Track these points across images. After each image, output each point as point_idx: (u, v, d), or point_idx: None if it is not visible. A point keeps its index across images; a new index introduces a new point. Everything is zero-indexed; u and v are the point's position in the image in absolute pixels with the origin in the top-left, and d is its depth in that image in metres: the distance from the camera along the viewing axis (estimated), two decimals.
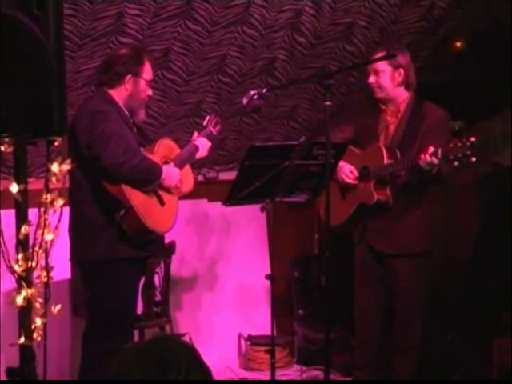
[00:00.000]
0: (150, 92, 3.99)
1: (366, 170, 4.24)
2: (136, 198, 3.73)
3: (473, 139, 3.75)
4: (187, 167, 4.09)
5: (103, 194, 3.75)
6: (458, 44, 5.96)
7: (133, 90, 3.89)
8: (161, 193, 3.88)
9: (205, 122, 4.28)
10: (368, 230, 4.30)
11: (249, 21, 4.67)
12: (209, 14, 4.48)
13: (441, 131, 4.18)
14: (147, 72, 3.93)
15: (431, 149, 3.85)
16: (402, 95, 4.27)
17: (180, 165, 4.00)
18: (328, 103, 3.59)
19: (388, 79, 4.22)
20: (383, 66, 4.21)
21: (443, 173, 4.04)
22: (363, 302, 4.38)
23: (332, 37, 5.05)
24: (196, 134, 4.25)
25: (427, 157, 3.85)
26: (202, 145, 4.17)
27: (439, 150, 3.83)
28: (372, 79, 4.25)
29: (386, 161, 4.14)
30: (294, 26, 4.84)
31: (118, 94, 3.88)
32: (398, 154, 4.15)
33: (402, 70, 4.22)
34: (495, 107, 5.72)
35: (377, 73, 4.23)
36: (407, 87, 4.27)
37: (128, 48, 4.01)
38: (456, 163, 3.79)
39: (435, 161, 3.84)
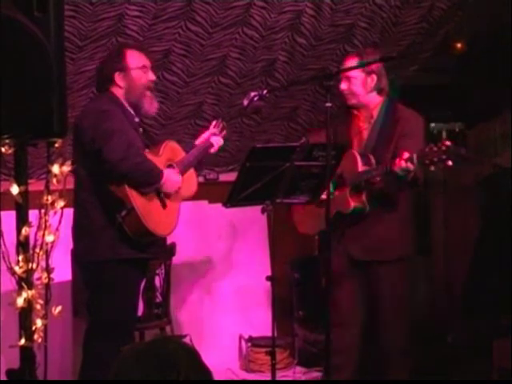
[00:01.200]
0: (150, 77, 3.95)
1: (341, 177, 4.15)
2: (138, 199, 3.73)
3: (448, 143, 3.71)
4: (191, 171, 4.09)
5: (106, 194, 3.74)
6: (458, 45, 5.96)
7: (127, 84, 3.88)
8: (163, 196, 3.88)
9: (211, 127, 4.28)
10: (346, 237, 4.22)
11: (249, 22, 4.67)
12: (209, 15, 4.49)
13: (416, 136, 4.12)
14: (132, 61, 3.89)
15: (406, 154, 3.79)
16: (375, 100, 4.21)
17: (184, 168, 4.01)
18: (328, 104, 3.57)
19: (360, 85, 4.16)
20: (355, 72, 4.14)
21: (419, 177, 3.98)
22: (342, 308, 4.28)
23: (332, 38, 5.06)
24: (213, 124, 4.29)
25: (402, 163, 3.79)
26: (216, 142, 4.25)
27: (414, 156, 3.77)
28: (344, 86, 4.17)
29: (360, 168, 4.06)
30: (294, 27, 4.84)
31: (118, 95, 3.88)
32: (373, 160, 4.08)
33: (374, 76, 4.16)
34: (495, 108, 5.72)
35: (349, 79, 4.16)
36: (380, 92, 4.20)
37: (109, 50, 4.04)
38: (432, 168, 3.74)
39: (411, 167, 3.79)
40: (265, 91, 3.95)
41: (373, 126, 4.20)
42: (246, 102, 3.91)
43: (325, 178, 3.59)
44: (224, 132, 4.31)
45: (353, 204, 4.09)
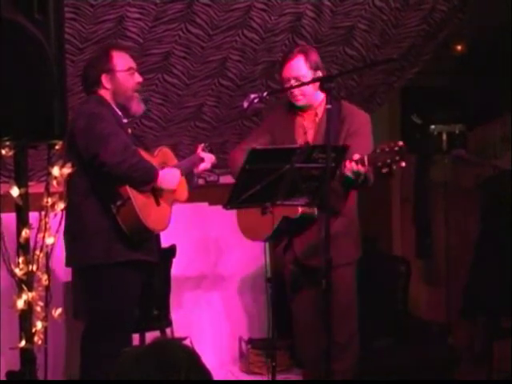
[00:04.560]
0: (138, 79, 3.95)
1: None
2: (135, 192, 3.74)
3: (400, 143, 3.54)
4: (182, 179, 4.12)
5: (102, 188, 3.75)
6: (459, 47, 5.98)
7: (114, 87, 3.87)
8: (157, 195, 3.90)
9: (198, 151, 4.29)
10: (295, 244, 4.08)
11: (249, 24, 4.67)
12: (209, 17, 4.49)
13: (364, 133, 3.98)
14: (119, 63, 3.89)
15: (356, 156, 3.61)
16: (319, 98, 4.06)
17: None
18: (329, 106, 3.56)
19: (311, 84, 3.97)
20: (303, 70, 3.98)
21: (369, 179, 3.78)
22: (301, 316, 4.23)
23: (333, 40, 5.06)
24: (201, 147, 4.30)
25: (353, 165, 3.61)
26: (207, 158, 4.26)
27: (365, 157, 3.59)
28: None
29: None
30: (294, 29, 4.84)
31: (106, 97, 3.89)
32: None
33: (319, 72, 4.00)
34: (495, 111, 5.73)
35: (299, 80, 3.96)
36: (323, 90, 4.00)
37: (95, 51, 4.03)
38: (385, 170, 3.56)
39: (362, 169, 3.60)
40: (265, 93, 3.94)
41: (318, 126, 4.03)
42: (246, 104, 3.90)
43: (325, 180, 3.57)
44: (213, 156, 4.30)
45: (301, 209, 3.91)
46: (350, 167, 3.63)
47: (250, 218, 4.13)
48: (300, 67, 4.00)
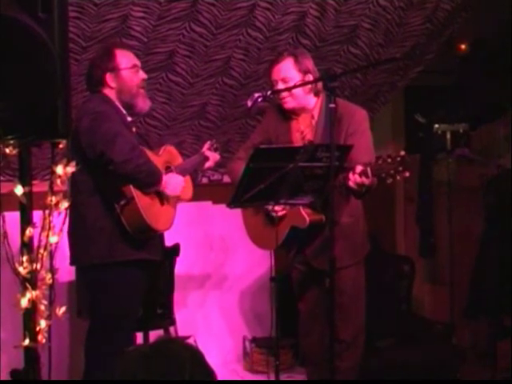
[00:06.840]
0: (142, 76, 3.95)
1: None
2: (138, 192, 3.74)
3: (402, 153, 3.52)
4: (188, 177, 4.12)
5: (106, 187, 3.75)
6: (463, 47, 5.97)
7: (118, 85, 3.87)
8: (162, 193, 3.90)
9: (204, 148, 4.32)
10: (305, 247, 4.09)
11: (253, 23, 4.67)
12: (213, 16, 4.49)
13: (363, 132, 3.97)
14: (122, 61, 3.89)
15: (359, 168, 3.59)
16: (312, 101, 4.04)
17: (182, 173, 4.03)
18: (332, 105, 3.56)
19: (299, 87, 3.96)
20: (292, 72, 3.98)
21: (372, 186, 3.71)
22: (306, 315, 4.25)
23: (336, 39, 5.06)
24: (207, 145, 4.33)
25: (356, 177, 3.60)
26: (212, 156, 4.29)
27: (368, 169, 3.57)
28: (282, 88, 3.97)
29: None
30: (298, 28, 4.84)
31: (110, 95, 3.89)
32: None
33: (310, 76, 3.99)
34: (499, 110, 5.72)
35: (286, 81, 3.97)
36: (316, 94, 4.04)
37: (98, 50, 4.03)
38: (390, 180, 3.55)
39: (366, 181, 3.59)
40: (269, 92, 3.93)
41: (315, 128, 4.03)
42: (249, 103, 3.90)
43: (328, 179, 3.56)
44: (218, 152, 4.35)
45: (309, 219, 3.92)
46: (354, 180, 3.62)
47: (258, 227, 4.17)
48: (288, 69, 4.00)
